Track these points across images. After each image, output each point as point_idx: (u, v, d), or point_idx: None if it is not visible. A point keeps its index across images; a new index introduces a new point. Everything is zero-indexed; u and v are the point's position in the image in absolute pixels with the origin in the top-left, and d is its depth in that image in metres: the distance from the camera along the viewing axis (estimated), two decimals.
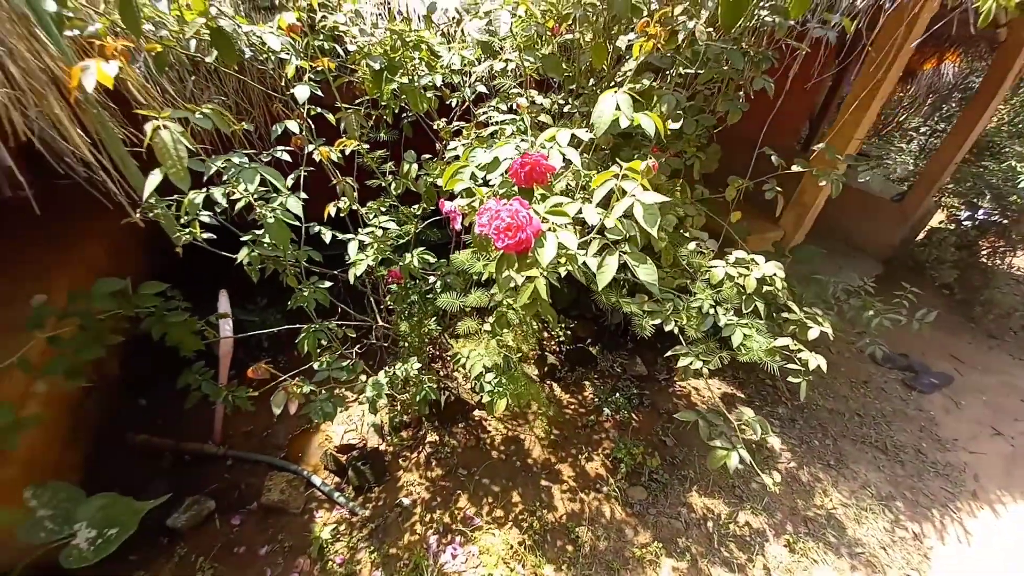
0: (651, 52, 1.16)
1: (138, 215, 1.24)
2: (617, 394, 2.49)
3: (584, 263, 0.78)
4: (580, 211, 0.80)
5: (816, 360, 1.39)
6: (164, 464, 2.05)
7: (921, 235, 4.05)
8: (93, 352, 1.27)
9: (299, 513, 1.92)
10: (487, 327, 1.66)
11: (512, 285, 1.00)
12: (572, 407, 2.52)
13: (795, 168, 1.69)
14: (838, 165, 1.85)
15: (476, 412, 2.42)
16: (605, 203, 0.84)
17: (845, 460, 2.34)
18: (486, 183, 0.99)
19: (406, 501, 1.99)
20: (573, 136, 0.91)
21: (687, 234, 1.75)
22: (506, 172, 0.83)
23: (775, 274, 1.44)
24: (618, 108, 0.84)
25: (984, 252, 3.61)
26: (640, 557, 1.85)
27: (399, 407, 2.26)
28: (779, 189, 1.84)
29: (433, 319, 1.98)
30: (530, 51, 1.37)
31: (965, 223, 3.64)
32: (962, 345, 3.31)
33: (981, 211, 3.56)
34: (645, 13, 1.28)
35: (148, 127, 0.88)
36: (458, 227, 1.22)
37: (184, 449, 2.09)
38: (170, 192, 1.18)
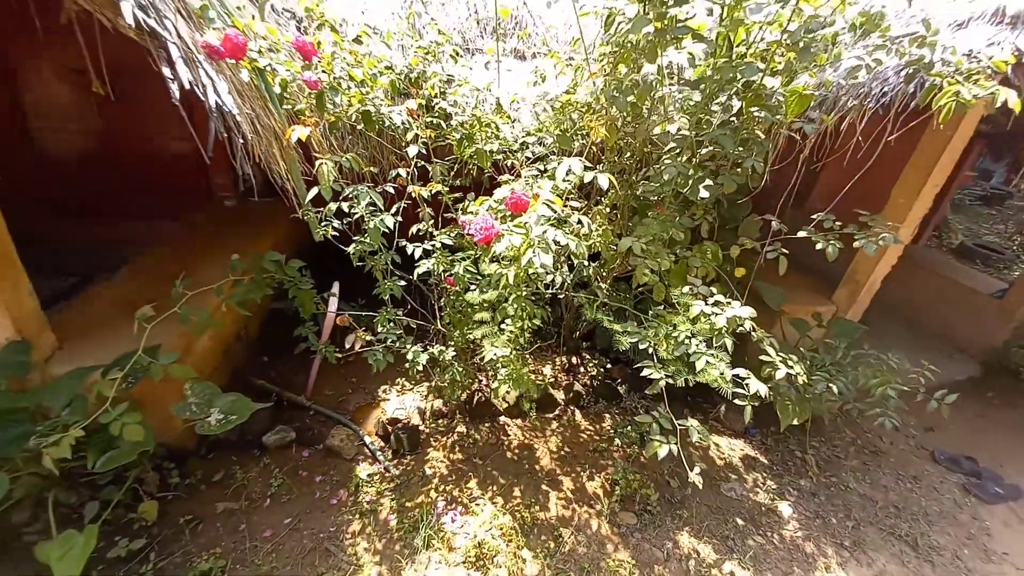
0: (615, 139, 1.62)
1: (300, 214, 1.99)
2: (629, 427, 2.69)
3: (530, 259, 1.22)
4: (541, 229, 1.27)
5: (760, 386, 1.59)
6: (270, 403, 2.77)
7: None
8: (257, 294, 2.01)
9: (349, 459, 2.45)
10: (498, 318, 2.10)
11: (497, 276, 1.47)
12: (588, 432, 2.77)
13: (800, 233, 1.94)
14: (895, 231, 2.00)
15: (502, 417, 2.81)
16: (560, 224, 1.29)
17: (863, 545, 2.22)
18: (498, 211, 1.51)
19: (428, 471, 2.41)
20: (555, 186, 1.39)
21: (691, 279, 2.05)
22: (502, 203, 1.34)
23: (745, 316, 1.69)
24: (570, 170, 1.31)
25: None
26: (614, 570, 2.02)
27: (440, 396, 2.76)
28: (785, 251, 2.06)
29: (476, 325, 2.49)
30: (552, 133, 1.92)
31: None
32: None
33: None
34: (644, 110, 1.76)
35: (317, 163, 1.58)
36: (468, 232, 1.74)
37: (284, 396, 2.80)
38: (319, 206, 1.90)
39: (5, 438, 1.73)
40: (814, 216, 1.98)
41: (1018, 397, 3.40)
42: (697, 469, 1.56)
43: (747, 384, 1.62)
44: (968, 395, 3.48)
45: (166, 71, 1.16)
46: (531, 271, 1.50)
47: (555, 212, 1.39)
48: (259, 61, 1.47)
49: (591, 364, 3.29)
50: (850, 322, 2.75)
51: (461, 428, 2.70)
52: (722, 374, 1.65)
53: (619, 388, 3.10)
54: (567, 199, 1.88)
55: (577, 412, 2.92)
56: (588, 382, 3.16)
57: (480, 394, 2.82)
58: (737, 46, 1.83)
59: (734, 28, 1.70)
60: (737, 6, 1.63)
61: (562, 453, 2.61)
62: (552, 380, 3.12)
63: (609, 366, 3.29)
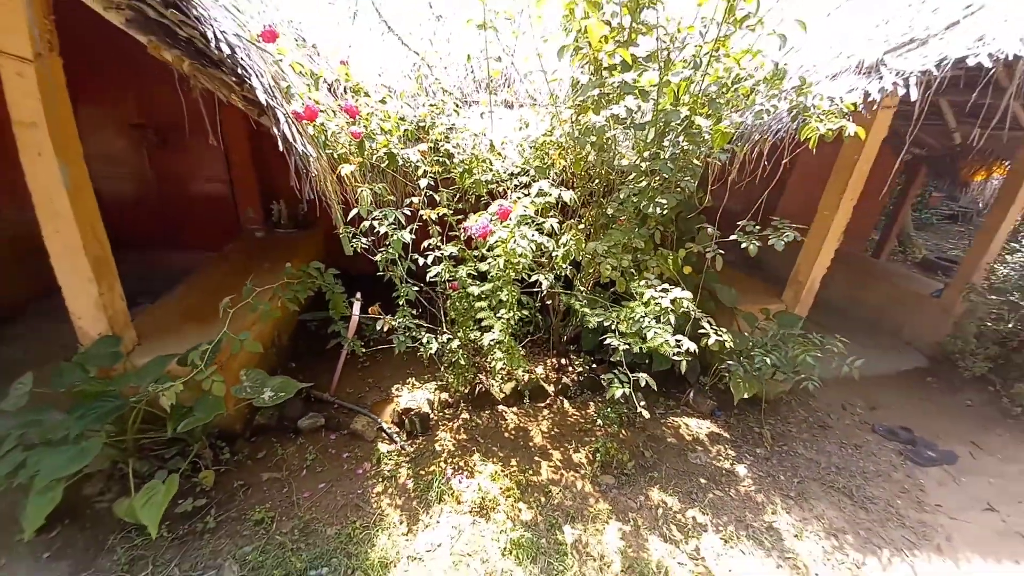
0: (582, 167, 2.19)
1: (340, 231, 2.54)
2: (609, 409, 3.12)
3: (512, 247, 1.73)
4: (518, 225, 1.81)
5: (689, 344, 2.07)
6: (301, 397, 3.21)
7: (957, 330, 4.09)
8: (303, 294, 2.53)
9: (370, 440, 2.87)
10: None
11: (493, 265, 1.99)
12: (574, 417, 3.21)
13: (732, 237, 2.49)
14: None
15: (500, 406, 3.24)
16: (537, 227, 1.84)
17: (806, 496, 2.63)
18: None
19: (437, 448, 2.84)
20: (532, 201, 1.95)
21: (646, 275, 2.56)
22: (495, 213, 1.88)
23: (684, 298, 2.21)
24: (540, 189, 1.87)
25: (1013, 345, 3.58)
26: (594, 516, 2.42)
27: (446, 389, 3.21)
28: (722, 252, 2.60)
29: (475, 324, 2.98)
30: (533, 165, 2.51)
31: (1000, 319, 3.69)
32: (991, 436, 3.26)
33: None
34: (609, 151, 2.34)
35: (358, 191, 2.13)
36: (471, 232, 2.26)
37: (312, 393, 3.25)
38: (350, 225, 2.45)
39: (101, 411, 2.19)
40: (739, 223, 2.54)
41: (957, 382, 3.85)
42: (644, 404, 2.03)
43: (681, 344, 2.10)
44: (913, 382, 3.95)
45: (275, 130, 1.72)
46: (514, 259, 2.02)
47: (531, 217, 1.93)
48: (325, 125, 2.05)
49: (578, 363, 3.75)
50: (792, 314, 3.25)
51: (465, 415, 3.13)
52: (666, 341, 2.14)
53: (602, 382, 3.54)
54: (546, 215, 2.44)
55: (566, 402, 3.36)
56: (575, 378, 3.61)
57: (480, 386, 3.27)
58: (681, 96, 2.44)
59: (666, 85, 2.32)
60: (665, 70, 2.25)
61: (552, 433, 3.03)
62: (544, 376, 3.57)
63: (594, 365, 3.75)
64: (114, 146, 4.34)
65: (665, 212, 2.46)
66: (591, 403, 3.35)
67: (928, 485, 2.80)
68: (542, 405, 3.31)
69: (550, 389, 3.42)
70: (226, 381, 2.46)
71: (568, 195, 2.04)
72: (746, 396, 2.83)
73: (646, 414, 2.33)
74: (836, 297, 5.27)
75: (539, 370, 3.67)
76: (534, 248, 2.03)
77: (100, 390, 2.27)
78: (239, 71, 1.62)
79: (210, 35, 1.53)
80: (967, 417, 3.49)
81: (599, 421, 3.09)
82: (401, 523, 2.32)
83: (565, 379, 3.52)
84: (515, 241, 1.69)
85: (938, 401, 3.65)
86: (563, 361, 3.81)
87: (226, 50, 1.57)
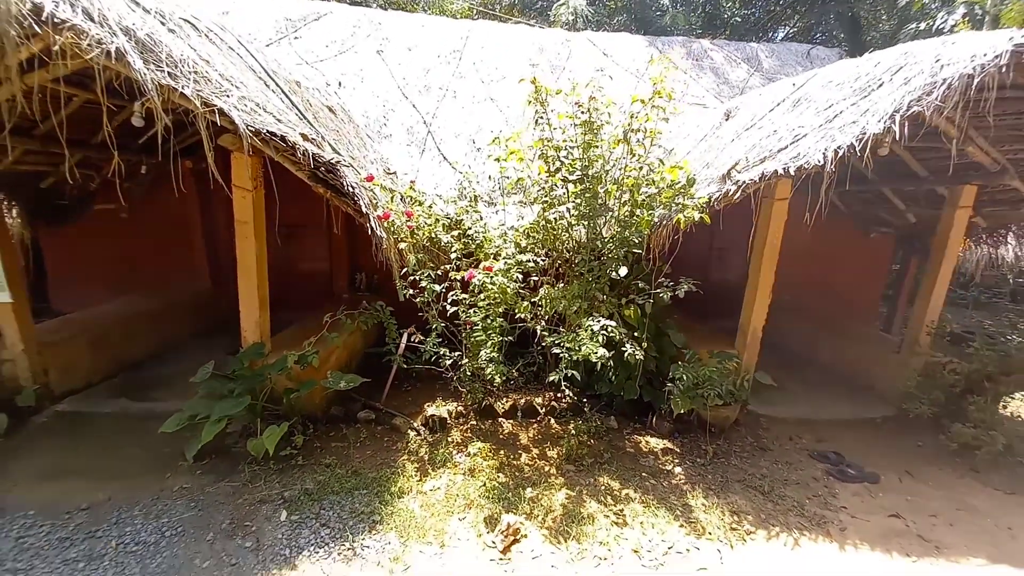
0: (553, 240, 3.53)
1: (398, 287, 4.03)
2: (579, 420, 4.03)
3: (487, 284, 2.99)
4: (492, 274, 3.12)
5: (601, 351, 3.10)
6: (359, 404, 4.51)
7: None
8: (370, 321, 3.98)
9: (403, 432, 4.03)
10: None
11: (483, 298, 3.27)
12: (556, 429, 4.14)
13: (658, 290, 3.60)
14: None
15: (500, 419, 4.28)
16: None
17: (726, 490, 3.29)
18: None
19: (449, 440, 3.92)
20: (504, 259, 3.29)
21: (594, 314, 3.68)
22: (483, 269, 3.23)
23: (611, 325, 3.30)
24: (517, 245, 3.20)
25: (957, 390, 3.95)
26: (550, 485, 3.31)
27: (461, 404, 4.35)
28: (660, 292, 3.69)
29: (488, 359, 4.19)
30: (520, 243, 3.90)
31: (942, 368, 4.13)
32: (930, 469, 3.63)
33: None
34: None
35: (408, 257, 3.63)
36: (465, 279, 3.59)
37: (368, 403, 4.54)
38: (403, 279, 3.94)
39: (248, 384, 3.65)
40: (665, 275, 3.66)
41: (915, 427, 4.21)
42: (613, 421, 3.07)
43: (602, 355, 3.15)
44: (873, 426, 4.37)
45: (368, 225, 3.32)
46: (494, 296, 3.31)
47: (506, 271, 3.27)
48: (394, 221, 3.65)
49: (568, 396, 4.71)
50: (727, 352, 4.07)
51: (472, 422, 4.21)
52: (594, 352, 3.19)
53: (584, 408, 4.47)
54: (528, 275, 3.77)
55: (552, 420, 4.32)
56: (563, 405, 4.57)
57: (486, 403, 4.36)
58: (612, 199, 3.78)
59: (599, 189, 3.68)
60: (595, 183, 3.63)
61: (535, 438, 3.99)
62: (539, 402, 4.58)
63: (585, 399, 4.68)
64: (270, 238, 6.49)
65: (624, 277, 3.67)
66: (572, 422, 4.26)
67: (842, 495, 3.31)
68: (533, 420, 4.30)
69: (541, 410, 4.41)
70: (317, 378, 3.86)
71: (527, 257, 3.36)
72: (683, 411, 3.66)
73: (614, 424, 3.30)
74: (822, 356, 5.79)
75: (538, 400, 4.68)
76: (508, 288, 3.33)
77: (249, 374, 3.77)
78: (355, 197, 3.26)
79: (344, 184, 3.20)
80: (911, 454, 3.86)
81: (573, 431, 4.00)
82: (415, 475, 3.40)
83: (555, 404, 4.50)
84: (492, 281, 3.00)
85: (889, 441, 4.06)
86: (557, 394, 4.80)
87: (349, 188, 3.23)
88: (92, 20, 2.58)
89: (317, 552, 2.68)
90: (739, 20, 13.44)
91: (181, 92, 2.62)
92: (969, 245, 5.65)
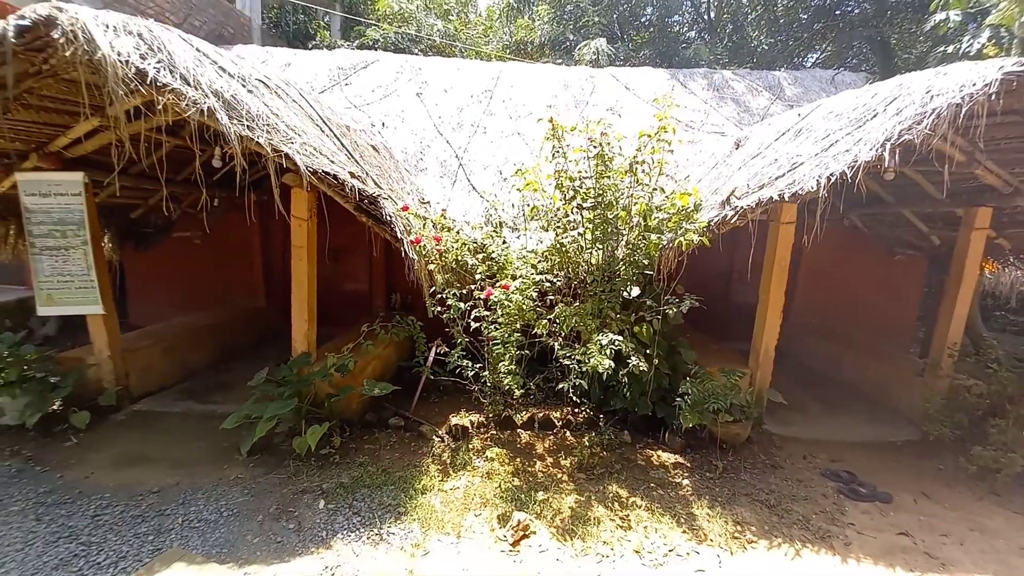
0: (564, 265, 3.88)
1: (427, 304, 4.46)
2: (593, 433, 4.23)
3: (503, 300, 3.34)
4: (509, 292, 3.49)
5: (608, 362, 3.35)
6: (390, 411, 4.91)
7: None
8: (401, 334, 4.43)
9: (429, 439, 4.38)
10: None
11: (500, 313, 3.63)
12: (570, 441, 4.36)
13: (664, 307, 3.85)
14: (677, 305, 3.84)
15: (518, 429, 4.55)
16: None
17: (733, 503, 3.40)
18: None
19: (470, 447, 4.23)
20: (521, 279, 3.66)
21: (605, 330, 3.95)
22: (500, 287, 3.59)
23: (618, 341, 3.57)
24: (533, 267, 3.56)
25: (980, 412, 3.86)
26: (561, 490, 3.54)
27: (483, 415, 4.66)
28: (668, 310, 3.92)
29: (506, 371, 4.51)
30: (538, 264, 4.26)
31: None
32: (948, 491, 3.57)
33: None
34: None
35: (437, 277, 4.08)
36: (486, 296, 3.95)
37: (398, 412, 4.93)
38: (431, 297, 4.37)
39: (296, 388, 4.14)
40: (679, 293, 3.91)
41: (937, 450, 4.13)
42: (627, 435, 3.34)
43: (604, 363, 3.40)
44: (894, 449, 4.32)
45: (403, 249, 3.80)
46: (511, 312, 3.65)
47: (522, 289, 3.62)
48: (425, 245, 4.13)
49: (584, 411, 4.92)
50: (734, 370, 4.19)
51: (492, 431, 4.51)
52: (601, 363, 3.46)
53: (599, 422, 4.67)
54: (545, 294, 4.11)
55: (568, 432, 4.55)
56: (580, 419, 4.78)
57: (506, 414, 4.65)
58: (623, 224, 4.11)
59: (610, 215, 4.01)
60: (607, 210, 3.97)
61: (551, 448, 4.23)
62: (556, 416, 4.82)
63: (602, 415, 4.88)
64: (320, 260, 7.20)
65: (635, 297, 3.96)
66: (587, 434, 4.48)
67: (851, 512, 3.33)
68: (549, 432, 4.54)
69: (558, 423, 4.65)
70: (354, 385, 4.31)
71: (541, 277, 3.71)
72: (692, 425, 3.82)
73: (628, 438, 3.54)
74: (847, 378, 5.73)
75: (555, 414, 4.93)
76: (523, 305, 3.68)
77: (296, 379, 4.26)
78: (392, 224, 3.76)
79: (384, 213, 3.72)
80: (929, 476, 3.80)
81: (587, 442, 4.22)
82: (437, 476, 3.72)
83: (571, 418, 4.73)
84: (508, 298, 3.37)
85: (909, 464, 4.01)
86: (575, 409, 5.02)
87: (387, 217, 3.74)
88: (188, 84, 3.24)
89: (349, 535, 3.03)
90: (766, 48, 13.64)
91: (257, 141, 3.22)
92: (996, 267, 5.52)
